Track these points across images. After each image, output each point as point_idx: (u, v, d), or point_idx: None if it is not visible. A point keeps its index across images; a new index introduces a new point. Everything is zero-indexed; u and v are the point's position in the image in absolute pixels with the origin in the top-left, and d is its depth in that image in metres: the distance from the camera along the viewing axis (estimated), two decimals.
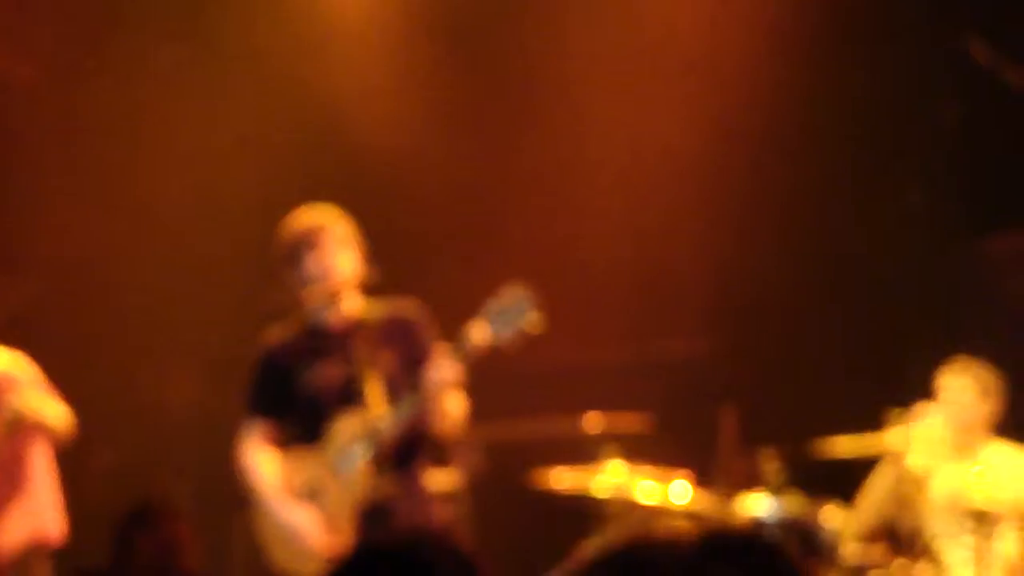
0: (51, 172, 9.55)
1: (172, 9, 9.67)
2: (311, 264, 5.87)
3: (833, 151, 8.89)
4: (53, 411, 6.95)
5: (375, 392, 5.73)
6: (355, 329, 5.89)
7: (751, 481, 6.93)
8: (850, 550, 6.66)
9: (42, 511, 7.12)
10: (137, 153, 9.51)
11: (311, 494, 5.85)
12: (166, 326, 9.37)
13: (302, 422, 5.89)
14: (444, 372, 5.58)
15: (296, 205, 9.26)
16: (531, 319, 5.49)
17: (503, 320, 5.52)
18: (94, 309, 9.44)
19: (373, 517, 5.74)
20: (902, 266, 8.94)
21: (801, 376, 8.68)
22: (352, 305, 5.92)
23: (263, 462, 5.99)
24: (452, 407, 5.76)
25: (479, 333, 5.54)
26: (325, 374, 5.82)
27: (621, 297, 8.99)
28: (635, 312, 9.02)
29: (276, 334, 6.00)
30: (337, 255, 5.87)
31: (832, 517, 6.66)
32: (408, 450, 5.80)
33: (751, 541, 1.86)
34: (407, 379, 5.72)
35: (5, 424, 6.96)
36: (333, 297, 5.87)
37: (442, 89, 9.28)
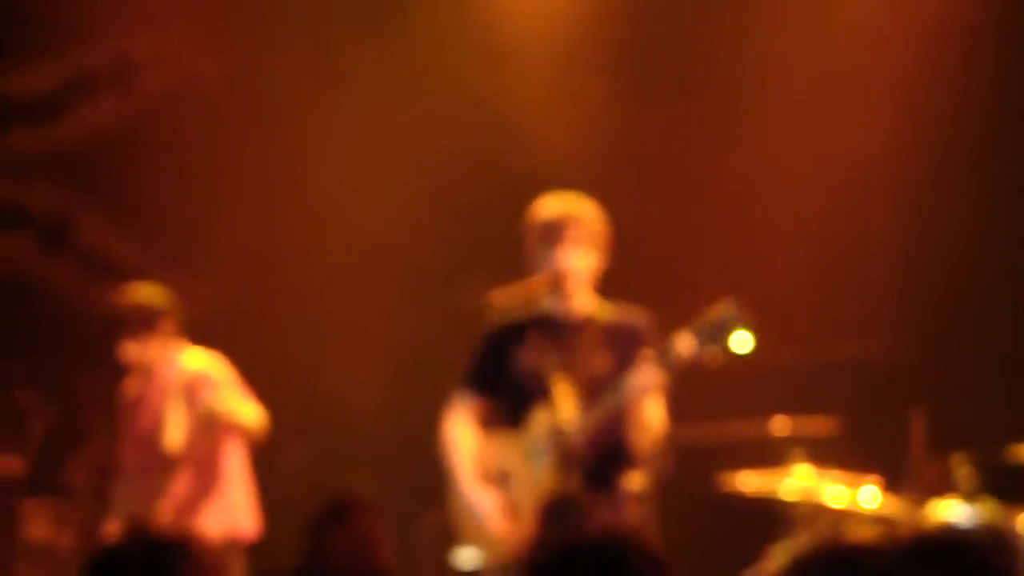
0: (236, 172, 9.70)
1: (358, 10, 9.77)
2: (550, 253, 5.90)
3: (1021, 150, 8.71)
4: (247, 411, 7.10)
5: (566, 392, 5.75)
6: (581, 326, 5.93)
7: (942, 487, 6.81)
8: None
9: (236, 508, 7.26)
10: (322, 153, 9.62)
11: (502, 477, 5.94)
12: (352, 326, 9.47)
13: (511, 404, 5.97)
14: (645, 378, 5.60)
15: (475, 209, 9.36)
16: (740, 339, 5.49)
17: (710, 335, 5.53)
18: (282, 310, 9.58)
19: (559, 512, 5.76)
20: None
21: (994, 378, 8.51)
22: (583, 302, 5.95)
23: (462, 438, 6.07)
24: (651, 415, 5.77)
25: (685, 344, 5.55)
26: (538, 362, 5.85)
27: (809, 298, 8.90)
28: (823, 314, 8.92)
29: (507, 314, 6.03)
30: (578, 249, 5.90)
31: None
32: (603, 453, 5.81)
33: (961, 546, 1.78)
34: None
35: (200, 421, 7.11)
36: (564, 290, 5.91)
37: (625, 103, 9.29)
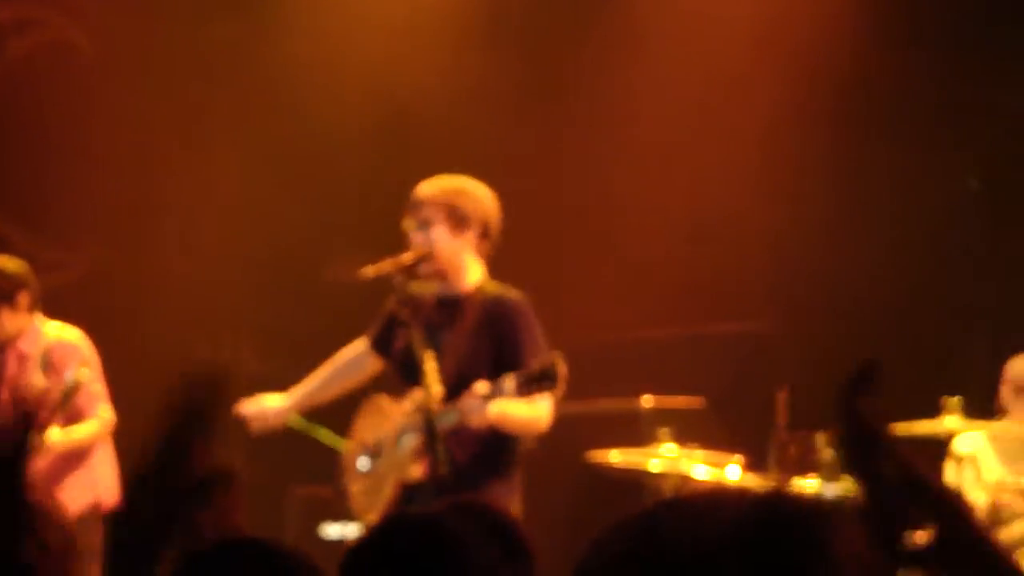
0: (101, 141, 9.57)
1: None
2: (417, 230, 5.94)
3: (894, 133, 8.85)
4: (85, 428, 7.12)
5: (434, 375, 5.77)
6: (456, 305, 5.96)
7: (805, 465, 6.91)
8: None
9: (99, 478, 7.23)
10: (191, 124, 9.53)
11: (375, 449, 6.00)
12: (220, 300, 9.40)
13: (400, 376, 6.03)
14: (473, 412, 5.66)
15: (348, 185, 9.32)
16: (555, 391, 5.59)
17: (531, 386, 5.58)
18: (146, 282, 9.49)
19: (420, 494, 5.78)
20: (962, 249, 8.90)
21: (857, 359, 8.63)
22: (461, 281, 5.99)
23: (322, 372, 6.35)
24: (521, 416, 5.82)
25: (510, 386, 5.61)
26: (413, 340, 5.86)
27: (676, 278, 8.98)
28: (690, 293, 9.00)
29: (414, 287, 6.03)
30: (445, 228, 5.92)
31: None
32: (472, 445, 5.85)
33: (794, 509, 1.69)
34: (483, 369, 5.77)
35: (63, 395, 7.06)
36: (432, 268, 5.94)
37: (506, 87, 9.34)
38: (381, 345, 6.21)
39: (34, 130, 9.56)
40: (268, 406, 6.33)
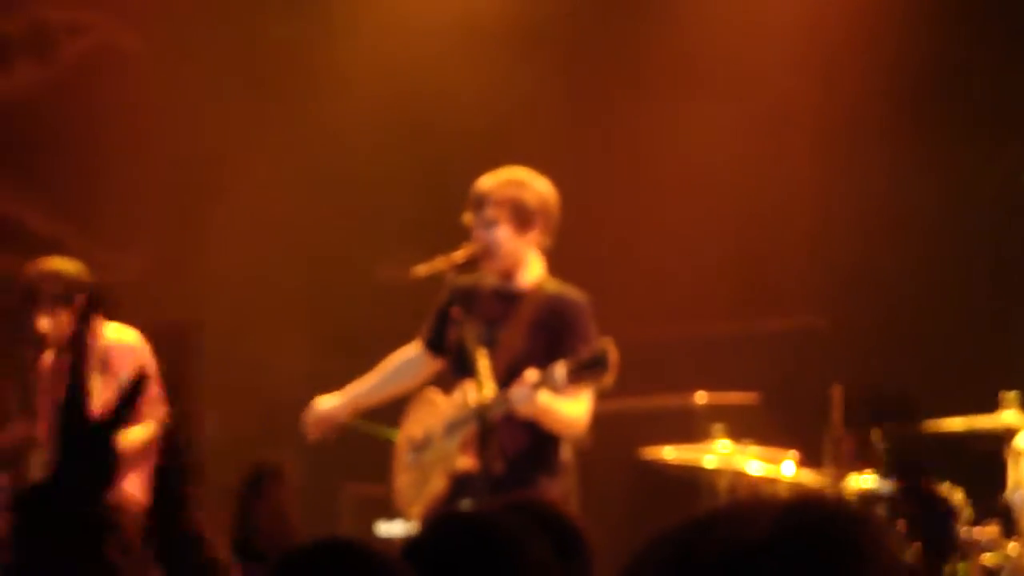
0: (155, 143, 9.62)
1: None
2: (476, 227, 5.92)
3: (946, 127, 8.80)
4: (157, 415, 7.13)
5: (486, 371, 5.76)
6: (514, 301, 5.95)
7: (861, 461, 6.88)
8: (964, 531, 6.58)
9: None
10: (244, 127, 9.57)
11: (425, 442, 5.99)
12: (275, 298, 9.43)
13: (452, 370, 6.03)
14: (523, 400, 5.65)
15: (402, 183, 9.34)
16: (606, 378, 5.56)
17: (581, 373, 5.56)
18: (200, 282, 9.53)
19: (469, 486, 5.78)
20: (1017, 243, 8.84)
21: (913, 354, 8.60)
22: (521, 277, 5.99)
23: (378, 372, 6.33)
24: (563, 413, 5.81)
25: (561, 373, 5.60)
26: (468, 335, 5.86)
27: (731, 276, 8.96)
28: (744, 289, 8.98)
29: (466, 278, 6.04)
30: (504, 225, 5.91)
31: (945, 497, 6.59)
32: (523, 437, 5.85)
33: (829, 515, 1.72)
34: (535, 366, 5.76)
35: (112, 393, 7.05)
36: (490, 264, 5.93)
37: (555, 85, 9.33)
38: (436, 343, 6.20)
39: (87, 132, 9.62)
40: (323, 410, 6.31)
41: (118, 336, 7.26)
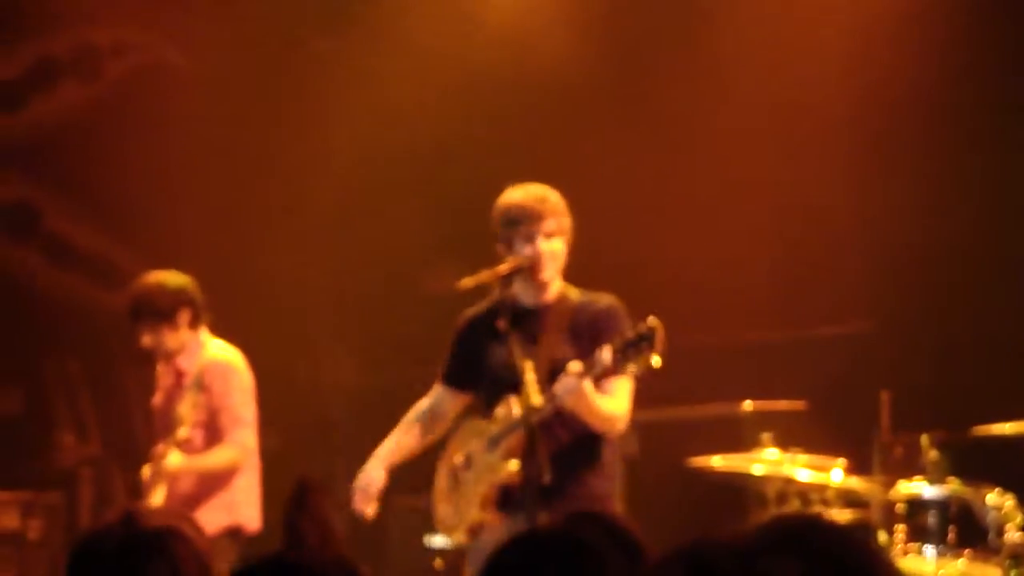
0: (204, 159, 9.68)
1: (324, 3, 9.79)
2: (518, 240, 5.94)
3: (990, 134, 8.77)
4: (216, 456, 7.05)
5: (532, 380, 5.77)
6: (547, 312, 5.97)
7: (910, 468, 6.85)
8: (1013, 536, 6.55)
9: (240, 499, 7.10)
10: (291, 141, 9.62)
11: (466, 463, 6.00)
12: (326, 313, 9.48)
13: (487, 396, 6.03)
14: (569, 391, 5.64)
15: (450, 195, 9.36)
16: (654, 358, 5.54)
17: (628, 353, 5.56)
18: (252, 298, 9.57)
19: (516, 495, 5.79)
20: None
21: (961, 360, 8.57)
22: (551, 288, 6.00)
23: (403, 423, 6.26)
24: (604, 408, 5.80)
25: (607, 358, 5.59)
26: (505, 353, 5.87)
27: (777, 282, 8.95)
28: (790, 296, 8.97)
29: (476, 307, 6.08)
30: (544, 237, 5.93)
31: (994, 503, 6.57)
32: (566, 438, 5.86)
33: (809, 527, 1.76)
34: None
35: (210, 411, 6.97)
36: (532, 277, 5.95)
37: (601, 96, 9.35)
38: (457, 378, 6.20)
39: (134, 150, 9.69)
40: (372, 486, 6.24)
41: (217, 355, 7.15)
